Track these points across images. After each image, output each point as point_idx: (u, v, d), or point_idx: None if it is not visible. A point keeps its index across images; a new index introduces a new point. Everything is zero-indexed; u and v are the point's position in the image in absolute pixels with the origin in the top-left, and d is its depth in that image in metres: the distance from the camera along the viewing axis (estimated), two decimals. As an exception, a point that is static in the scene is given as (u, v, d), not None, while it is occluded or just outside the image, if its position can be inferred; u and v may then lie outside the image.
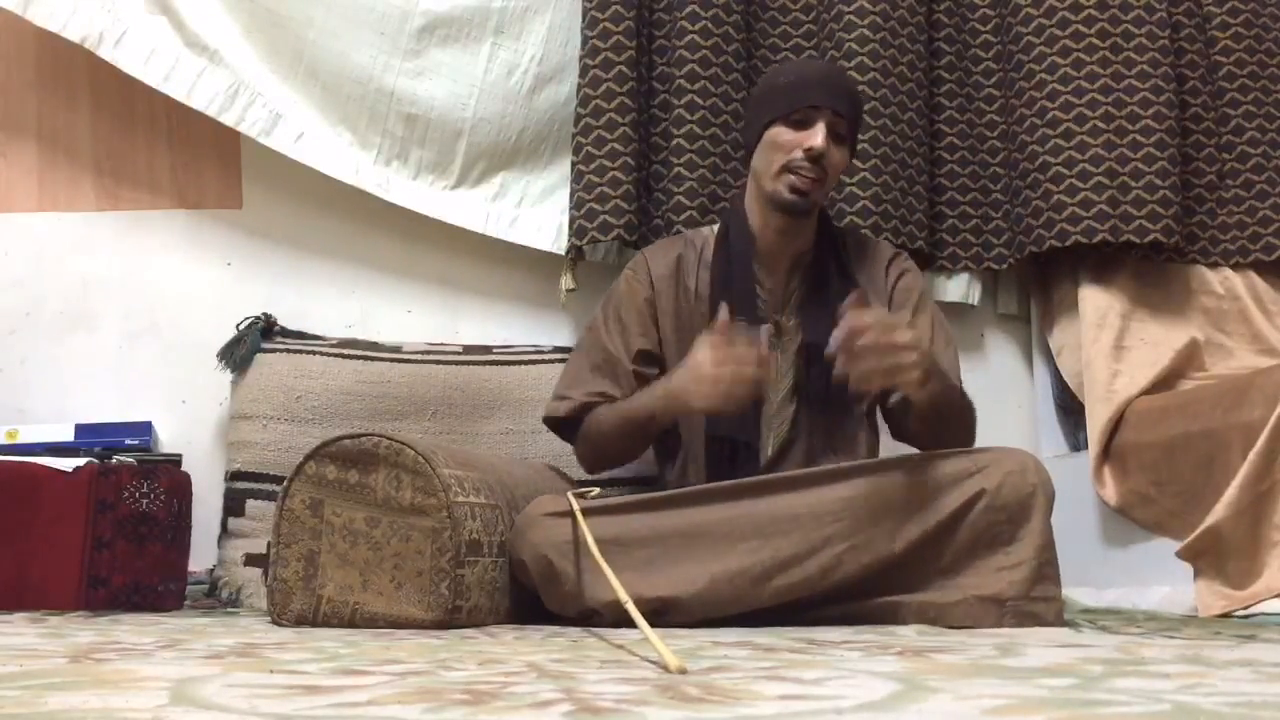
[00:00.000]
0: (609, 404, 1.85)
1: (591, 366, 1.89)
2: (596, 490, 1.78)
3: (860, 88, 2.29)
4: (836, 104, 1.78)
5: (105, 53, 2.24)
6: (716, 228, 1.94)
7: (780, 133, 1.79)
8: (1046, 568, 1.56)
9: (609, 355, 1.88)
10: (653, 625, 1.14)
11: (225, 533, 2.16)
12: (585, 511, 1.59)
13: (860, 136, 2.28)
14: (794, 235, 1.86)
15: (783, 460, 1.81)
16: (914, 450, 1.75)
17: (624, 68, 2.25)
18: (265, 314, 2.30)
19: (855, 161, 2.28)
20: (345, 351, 2.26)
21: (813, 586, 1.58)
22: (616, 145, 2.23)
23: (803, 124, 1.77)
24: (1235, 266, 2.40)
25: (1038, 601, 1.54)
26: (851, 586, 1.59)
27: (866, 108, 2.29)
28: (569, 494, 1.66)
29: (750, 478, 1.68)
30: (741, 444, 1.79)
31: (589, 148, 2.24)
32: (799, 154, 1.77)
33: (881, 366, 1.54)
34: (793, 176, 1.78)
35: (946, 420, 1.73)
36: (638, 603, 1.23)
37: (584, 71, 2.27)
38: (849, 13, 2.32)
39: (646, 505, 1.67)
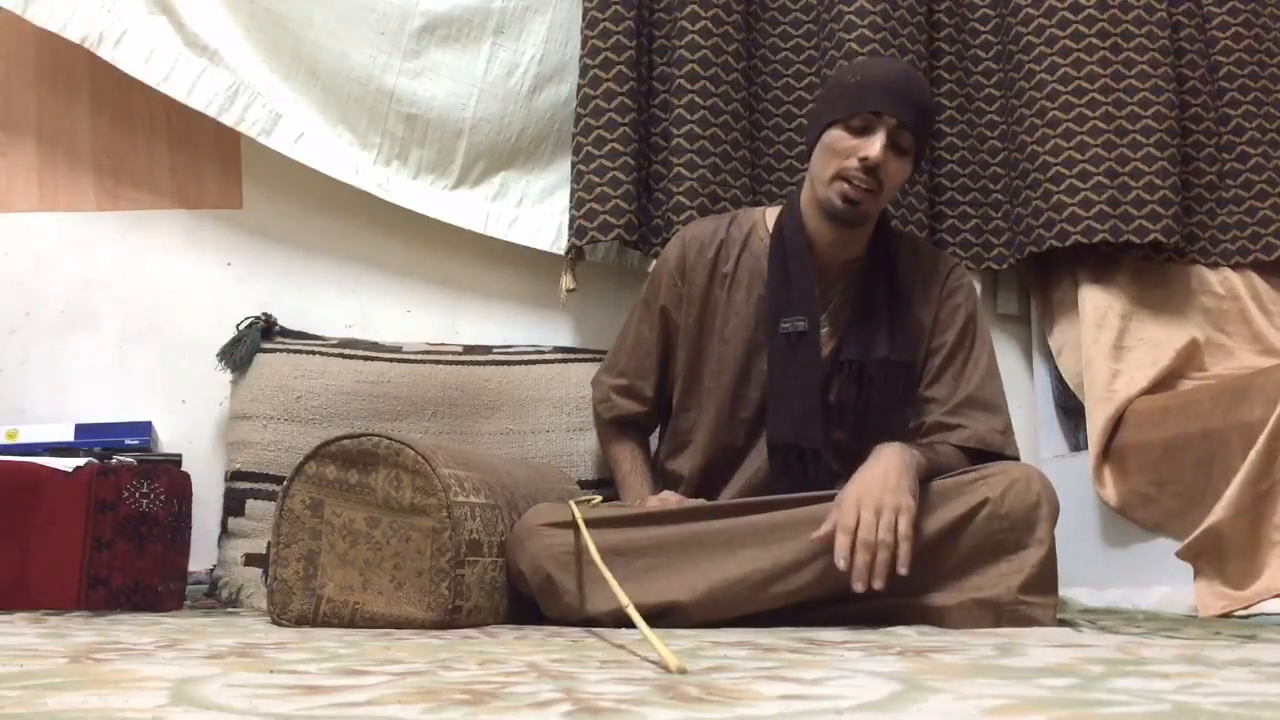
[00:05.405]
0: (621, 443, 1.95)
1: (624, 351, 1.95)
2: (598, 498, 1.78)
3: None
4: (901, 113, 1.66)
5: (105, 53, 2.24)
6: (767, 213, 1.87)
7: (839, 137, 1.69)
8: (1047, 577, 1.56)
9: (640, 340, 1.93)
10: (652, 629, 1.13)
11: (225, 533, 2.16)
12: (586, 522, 1.59)
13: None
14: (845, 243, 1.77)
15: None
16: None
17: (624, 68, 2.25)
18: (265, 314, 2.30)
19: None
20: (345, 351, 2.26)
21: (812, 592, 1.57)
22: (616, 145, 2.23)
23: (863, 130, 1.67)
24: (1235, 266, 2.40)
25: (1035, 606, 1.54)
26: (851, 591, 1.58)
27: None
28: (571, 503, 1.66)
29: (753, 498, 1.68)
30: (809, 452, 1.72)
31: (589, 148, 2.24)
32: (854, 162, 1.66)
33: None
34: (845, 185, 1.68)
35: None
36: (638, 608, 1.22)
37: (584, 71, 2.27)
38: (849, 13, 2.31)
39: (648, 519, 1.66)
